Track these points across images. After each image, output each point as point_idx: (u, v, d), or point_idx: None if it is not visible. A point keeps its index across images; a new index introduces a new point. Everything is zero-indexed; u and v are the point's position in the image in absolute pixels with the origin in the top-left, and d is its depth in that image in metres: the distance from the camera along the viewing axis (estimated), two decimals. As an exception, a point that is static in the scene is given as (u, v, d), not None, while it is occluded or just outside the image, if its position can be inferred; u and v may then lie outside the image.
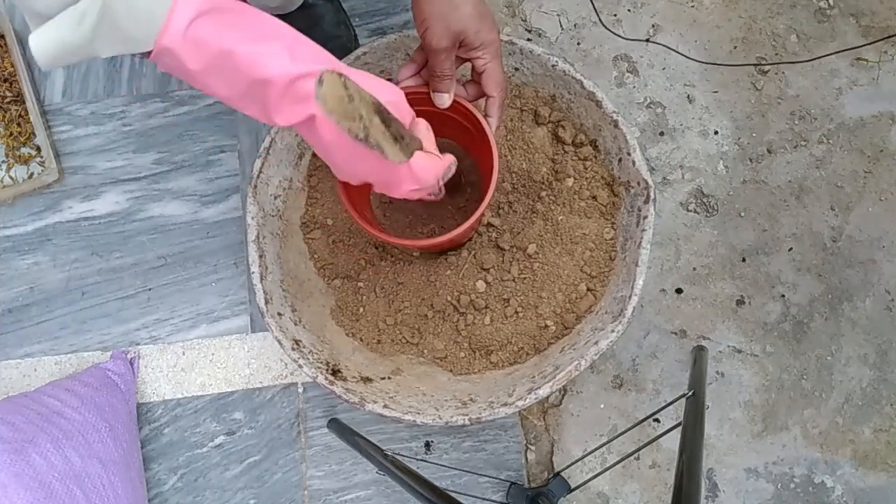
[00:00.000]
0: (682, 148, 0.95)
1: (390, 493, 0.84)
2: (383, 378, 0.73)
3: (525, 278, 0.76)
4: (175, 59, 0.44)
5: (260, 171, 0.75)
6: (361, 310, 0.78)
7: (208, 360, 0.88)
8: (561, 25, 0.98)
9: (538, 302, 0.75)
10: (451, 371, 0.76)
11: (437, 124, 0.69)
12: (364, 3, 0.96)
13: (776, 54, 0.97)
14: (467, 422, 0.66)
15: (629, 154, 0.72)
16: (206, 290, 0.89)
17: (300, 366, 0.69)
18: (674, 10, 0.99)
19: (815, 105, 0.96)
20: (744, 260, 0.92)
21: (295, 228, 0.80)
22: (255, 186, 0.74)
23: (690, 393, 0.64)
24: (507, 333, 0.75)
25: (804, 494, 0.86)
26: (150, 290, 0.89)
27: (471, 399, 0.70)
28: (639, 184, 0.72)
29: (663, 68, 0.97)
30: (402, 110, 0.53)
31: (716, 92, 0.96)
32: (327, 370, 0.70)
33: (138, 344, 0.88)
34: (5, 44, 0.93)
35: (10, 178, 0.91)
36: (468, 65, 0.63)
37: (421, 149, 0.55)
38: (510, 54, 0.76)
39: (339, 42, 0.89)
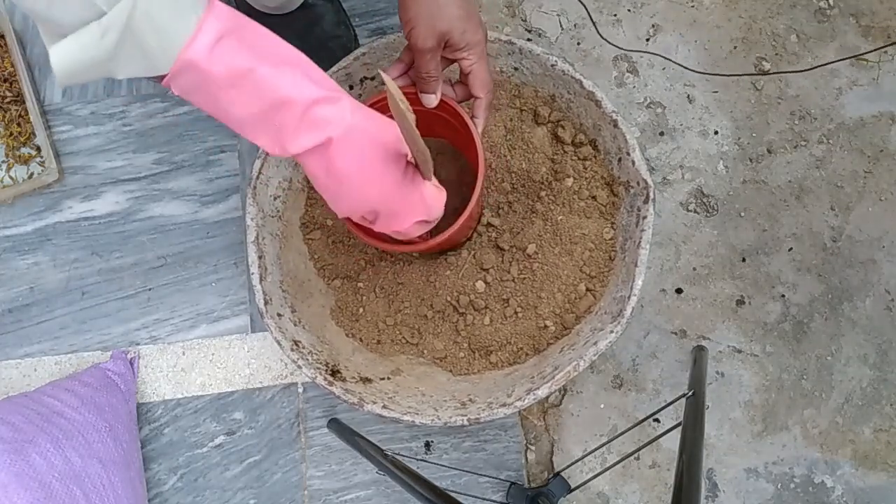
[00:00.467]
0: (682, 148, 0.95)
1: (390, 493, 0.84)
2: (383, 378, 0.73)
3: (524, 278, 0.76)
4: (197, 77, 0.44)
5: (259, 172, 0.75)
6: (361, 310, 0.78)
7: (208, 360, 0.88)
8: (561, 25, 0.98)
9: (538, 302, 0.75)
10: (450, 371, 0.76)
11: (430, 124, 0.70)
12: (364, 3, 0.96)
13: (776, 54, 0.97)
14: (466, 422, 0.66)
15: (629, 154, 0.72)
16: (206, 290, 0.90)
17: (299, 366, 0.69)
18: (674, 10, 0.99)
19: (815, 105, 0.96)
20: (744, 260, 0.92)
21: (294, 229, 0.80)
22: (255, 187, 0.74)
23: (690, 393, 0.64)
24: (507, 334, 0.75)
25: (804, 494, 0.86)
26: (150, 290, 0.89)
27: (470, 399, 0.70)
28: (638, 184, 0.72)
29: (663, 68, 0.97)
30: (419, 140, 0.53)
31: (716, 92, 0.96)
32: (326, 371, 0.70)
33: (138, 344, 0.88)
34: (5, 44, 0.93)
35: (10, 178, 0.91)
36: (456, 65, 0.63)
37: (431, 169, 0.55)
38: (510, 54, 0.76)
39: (339, 42, 0.89)
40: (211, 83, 0.44)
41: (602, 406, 0.88)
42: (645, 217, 0.70)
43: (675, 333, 0.90)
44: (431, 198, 0.56)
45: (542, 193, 0.77)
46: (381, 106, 0.65)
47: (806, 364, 0.89)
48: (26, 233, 0.91)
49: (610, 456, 0.86)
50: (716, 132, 0.95)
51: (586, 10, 0.96)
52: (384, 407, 0.67)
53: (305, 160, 0.50)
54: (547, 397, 0.82)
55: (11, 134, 0.91)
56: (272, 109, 0.46)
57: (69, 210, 0.91)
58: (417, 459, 0.84)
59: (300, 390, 0.87)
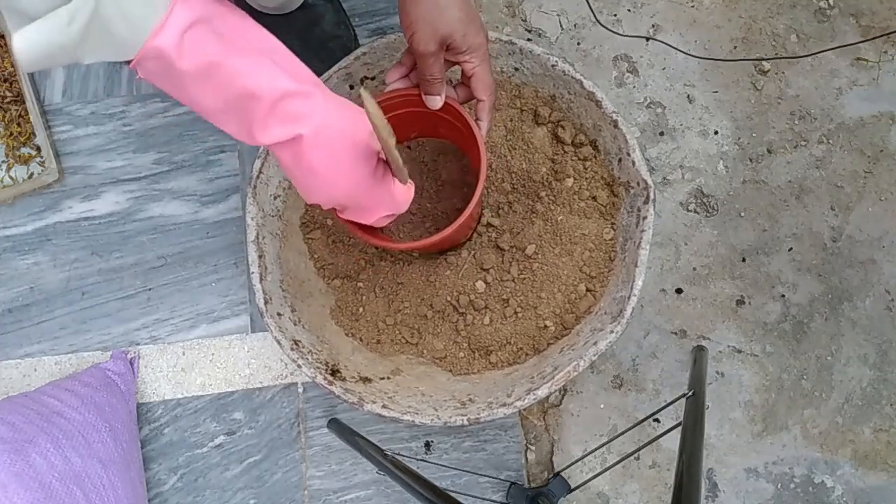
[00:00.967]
0: (682, 148, 0.95)
1: (390, 493, 0.84)
2: (382, 378, 0.73)
3: (524, 278, 0.76)
4: (164, 62, 0.43)
5: (260, 172, 0.75)
6: (361, 310, 0.78)
7: (208, 360, 0.88)
8: (561, 25, 0.98)
9: (537, 302, 0.75)
10: (450, 371, 0.76)
11: (432, 125, 0.70)
12: (364, 3, 0.96)
13: (776, 54, 0.97)
14: (466, 422, 0.66)
15: (629, 154, 0.72)
16: (206, 290, 0.90)
17: (299, 366, 0.69)
18: (674, 10, 0.99)
19: (815, 105, 0.96)
20: (744, 260, 0.92)
21: (295, 228, 0.80)
22: (255, 187, 0.74)
23: (690, 393, 0.64)
24: (507, 334, 0.75)
25: (804, 494, 0.86)
26: (150, 290, 0.89)
27: (470, 399, 0.70)
28: (638, 184, 0.72)
29: (663, 68, 0.97)
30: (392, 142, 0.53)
31: (716, 92, 0.96)
32: (326, 370, 0.70)
33: (138, 344, 0.88)
34: (5, 44, 0.93)
35: (10, 178, 0.91)
36: (458, 67, 0.63)
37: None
38: (510, 54, 0.76)
39: (339, 42, 0.89)
40: (177, 72, 0.44)
41: (602, 406, 0.88)
42: (645, 217, 0.70)
43: (675, 333, 0.90)
44: (400, 192, 0.56)
45: (543, 194, 0.77)
46: (385, 106, 0.65)
47: (806, 364, 0.89)
48: (26, 233, 0.91)
49: (610, 456, 0.86)
50: (716, 132, 0.95)
51: (590, 7, 0.96)
52: (384, 406, 0.67)
53: (275, 150, 0.50)
54: (547, 397, 0.82)
55: (11, 134, 0.91)
56: (240, 101, 0.46)
57: (69, 210, 0.91)
58: (417, 459, 0.84)
59: (300, 390, 0.87)
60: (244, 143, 0.49)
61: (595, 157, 0.77)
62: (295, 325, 0.74)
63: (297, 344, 0.71)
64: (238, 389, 0.87)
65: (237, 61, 0.45)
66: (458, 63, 0.62)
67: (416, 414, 0.67)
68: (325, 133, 0.49)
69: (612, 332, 0.66)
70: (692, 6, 0.99)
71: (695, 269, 0.92)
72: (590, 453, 0.78)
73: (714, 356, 0.89)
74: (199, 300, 0.89)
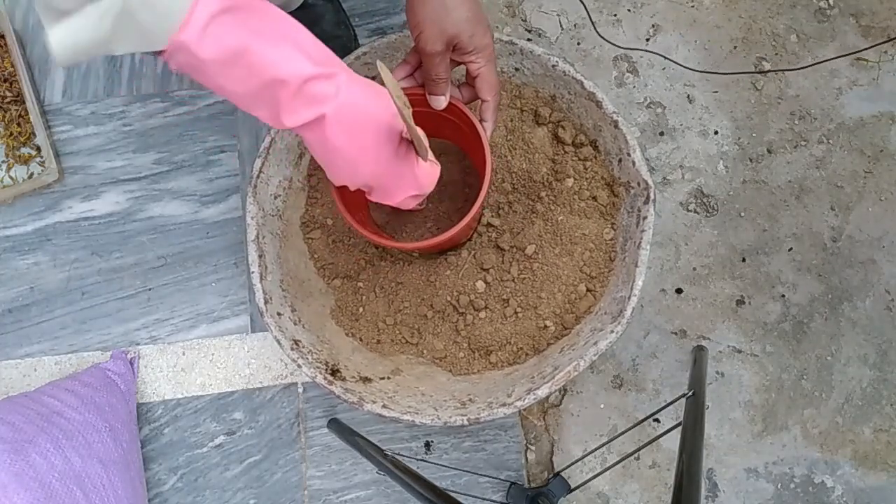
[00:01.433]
0: (682, 148, 0.95)
1: (390, 493, 0.84)
2: (382, 378, 0.73)
3: (525, 279, 0.76)
4: (191, 56, 0.44)
5: (260, 171, 0.75)
6: (361, 310, 0.78)
7: (208, 360, 0.88)
8: (561, 25, 0.98)
9: (538, 302, 0.75)
10: (450, 371, 0.76)
11: (435, 126, 0.70)
12: (364, 3, 0.97)
13: (776, 54, 0.97)
14: (466, 422, 0.66)
15: (629, 154, 0.72)
16: (206, 290, 0.90)
17: (299, 366, 0.69)
18: (674, 10, 0.99)
19: (815, 105, 0.96)
20: (744, 260, 0.92)
21: (295, 228, 0.80)
22: (255, 186, 0.74)
23: (690, 393, 0.64)
24: (507, 334, 0.75)
25: (804, 494, 0.86)
26: (150, 290, 0.89)
27: (470, 399, 0.70)
28: (639, 184, 0.72)
29: (663, 68, 0.97)
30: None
31: (716, 92, 0.96)
32: (326, 370, 0.70)
33: (138, 344, 0.88)
34: (5, 44, 0.93)
35: (10, 178, 0.91)
36: (462, 67, 0.63)
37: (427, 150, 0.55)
38: (510, 54, 0.76)
39: (339, 42, 0.89)
40: (205, 63, 0.45)
41: (602, 406, 0.88)
42: (645, 217, 0.70)
43: (675, 333, 0.90)
44: (424, 174, 0.56)
45: (543, 194, 0.77)
46: None
47: (806, 364, 0.89)
48: (26, 233, 0.91)
49: (610, 456, 0.86)
50: (716, 132, 0.95)
51: (586, 10, 0.96)
52: (384, 406, 0.67)
53: (302, 133, 0.51)
54: (547, 397, 0.82)
55: (11, 134, 0.91)
56: (266, 87, 0.46)
57: (69, 210, 0.91)
58: (417, 459, 0.84)
59: (300, 390, 0.87)
60: (274, 126, 0.50)
61: (595, 157, 0.77)
62: (295, 324, 0.74)
63: (297, 344, 0.71)
64: (238, 389, 0.87)
65: (262, 47, 0.45)
66: (463, 63, 0.62)
67: (417, 414, 0.67)
68: (348, 112, 0.49)
69: (612, 332, 0.66)
70: (692, 6, 0.99)
71: (695, 269, 0.92)
72: (590, 453, 0.78)
73: (714, 356, 0.89)
74: (199, 300, 0.89)
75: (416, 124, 0.70)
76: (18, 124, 0.91)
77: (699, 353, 0.81)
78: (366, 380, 0.72)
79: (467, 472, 0.83)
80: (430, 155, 0.57)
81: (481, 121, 0.65)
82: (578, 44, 0.98)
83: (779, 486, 0.86)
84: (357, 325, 0.78)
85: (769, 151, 0.95)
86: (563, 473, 0.78)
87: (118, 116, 0.94)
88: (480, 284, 0.76)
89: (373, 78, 0.79)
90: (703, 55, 0.97)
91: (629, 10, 0.99)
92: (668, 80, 0.96)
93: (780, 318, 0.90)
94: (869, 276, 0.91)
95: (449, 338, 0.77)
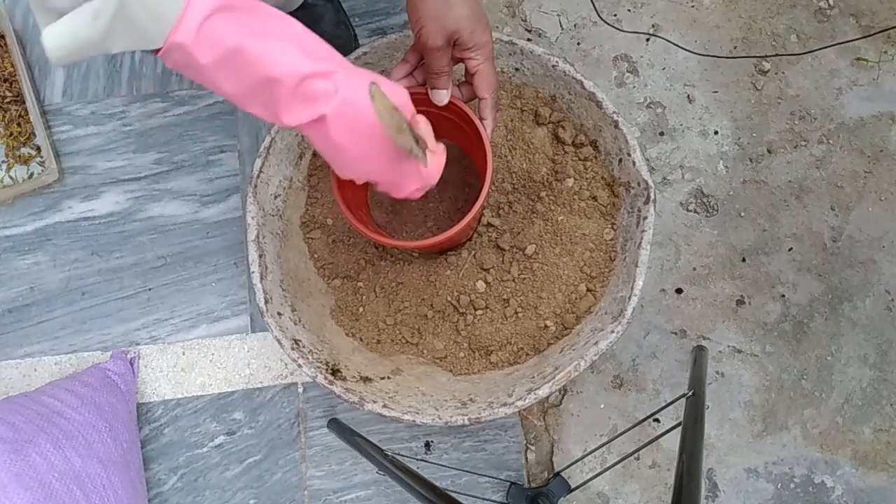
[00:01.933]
0: (682, 148, 0.95)
1: (390, 493, 0.84)
2: (383, 378, 0.73)
3: (525, 278, 0.76)
4: (186, 56, 0.44)
5: (260, 171, 0.75)
6: (361, 309, 0.78)
7: (208, 360, 0.88)
8: (561, 25, 0.98)
9: (538, 302, 0.75)
10: (450, 371, 0.76)
11: (435, 125, 0.69)
12: (364, 3, 0.97)
13: (776, 54, 0.97)
14: (467, 422, 0.66)
15: (629, 154, 0.72)
16: (206, 290, 0.89)
17: (299, 365, 0.69)
18: (674, 10, 0.99)
19: (815, 105, 0.96)
20: (744, 260, 0.92)
21: (295, 228, 0.80)
22: (255, 186, 0.74)
23: (690, 393, 0.64)
24: (507, 334, 0.75)
25: (804, 494, 0.86)
26: (150, 290, 0.89)
27: (470, 399, 0.70)
28: (639, 184, 0.72)
29: (663, 68, 0.97)
30: (408, 110, 0.53)
31: (716, 92, 0.96)
32: (327, 370, 0.70)
33: (138, 344, 0.88)
34: (5, 44, 0.93)
35: (10, 178, 0.91)
36: (461, 66, 0.63)
37: (426, 147, 0.55)
38: (511, 54, 0.76)
39: (339, 42, 0.89)
40: (201, 62, 0.45)
41: (602, 406, 0.88)
42: (645, 217, 0.70)
43: (675, 333, 0.90)
44: (429, 166, 0.56)
45: (543, 194, 0.77)
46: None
47: (806, 364, 0.89)
48: (26, 233, 0.91)
49: (610, 456, 0.86)
50: (716, 132, 0.95)
51: (593, 3, 0.96)
52: (384, 406, 0.67)
53: (304, 130, 0.51)
54: (547, 397, 0.82)
55: (11, 134, 0.91)
56: (262, 85, 0.46)
57: (69, 210, 0.91)
58: (417, 459, 0.84)
59: (300, 390, 0.87)
60: (273, 122, 0.50)
61: (595, 157, 0.77)
62: (295, 324, 0.74)
63: (297, 343, 0.71)
64: (238, 389, 0.87)
65: (257, 46, 0.45)
66: (462, 60, 0.62)
67: (417, 414, 0.67)
68: (347, 110, 0.49)
69: (612, 331, 0.66)
70: (692, 6, 0.99)
71: (695, 269, 0.92)
72: (590, 453, 0.79)
73: (714, 356, 0.89)
74: (199, 300, 0.89)
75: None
76: (18, 124, 0.91)
77: (699, 353, 0.81)
78: (366, 380, 0.72)
79: (467, 472, 0.83)
80: (434, 143, 0.57)
81: (481, 119, 0.65)
82: (578, 44, 0.98)
83: (779, 486, 0.86)
84: (357, 324, 0.78)
85: (769, 151, 0.95)
86: (563, 473, 0.78)
87: (118, 116, 0.94)
88: (481, 284, 0.76)
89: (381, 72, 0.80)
90: (704, 54, 0.97)
91: (629, 10, 0.99)
92: (668, 80, 0.96)
93: (780, 318, 0.90)
94: (869, 276, 0.91)
95: (449, 338, 0.77)
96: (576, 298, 0.75)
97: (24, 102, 0.91)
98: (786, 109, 0.96)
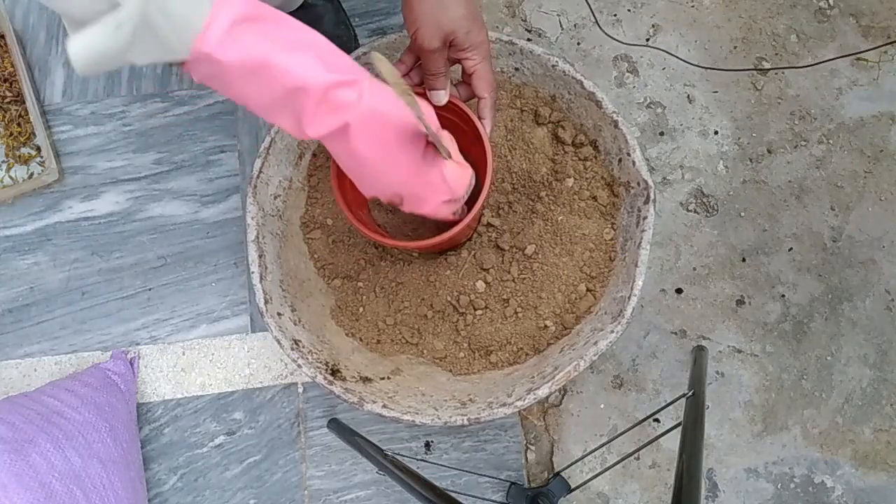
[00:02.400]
0: (682, 148, 0.95)
1: (390, 493, 0.84)
2: (382, 378, 0.73)
3: (525, 278, 0.76)
4: (213, 67, 0.44)
5: (260, 171, 0.75)
6: (361, 310, 0.78)
7: (208, 360, 0.88)
8: (561, 25, 0.98)
9: (538, 302, 0.75)
10: (450, 371, 0.76)
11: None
12: (364, 3, 0.97)
13: (776, 54, 0.97)
14: (466, 422, 0.66)
15: (629, 154, 0.72)
16: (206, 290, 0.89)
17: (299, 366, 0.69)
18: (674, 11, 0.99)
19: (815, 105, 0.96)
20: (744, 260, 0.92)
21: (295, 228, 0.80)
22: (255, 186, 0.74)
23: (690, 393, 0.64)
24: (507, 334, 0.75)
25: (804, 494, 0.86)
26: (150, 290, 0.89)
27: (470, 399, 0.70)
28: (639, 184, 0.72)
29: (663, 68, 0.97)
30: (433, 121, 0.53)
31: (716, 92, 0.96)
32: (326, 370, 0.70)
33: (138, 344, 0.88)
34: (5, 44, 0.93)
35: (10, 178, 0.91)
36: (459, 66, 0.63)
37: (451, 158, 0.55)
38: (510, 54, 0.76)
39: (339, 42, 0.89)
40: (225, 73, 0.45)
41: (602, 406, 0.88)
42: (645, 217, 0.70)
43: (675, 333, 0.90)
44: (452, 177, 0.56)
45: (543, 194, 0.77)
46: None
47: (806, 364, 0.89)
48: (26, 233, 0.91)
49: (610, 456, 0.86)
50: (716, 132, 0.95)
51: (590, 8, 0.96)
52: (384, 406, 0.67)
53: (327, 142, 0.51)
54: (547, 397, 0.82)
55: (11, 134, 0.91)
56: (288, 96, 0.46)
57: (69, 210, 0.91)
58: (417, 459, 0.84)
59: (300, 390, 0.87)
60: (297, 137, 0.50)
61: (595, 157, 0.77)
62: (295, 324, 0.74)
63: (297, 344, 0.71)
64: (238, 389, 0.87)
65: (282, 57, 0.45)
66: (459, 60, 0.62)
67: (417, 414, 0.67)
68: (371, 119, 0.49)
69: (612, 332, 0.66)
70: (692, 6, 0.99)
71: (695, 269, 0.92)
72: (590, 453, 0.79)
73: (714, 356, 0.89)
74: (199, 300, 0.89)
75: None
76: (18, 124, 0.91)
77: (699, 353, 0.81)
78: (366, 380, 0.72)
79: (467, 472, 0.83)
80: (460, 157, 0.57)
81: (480, 118, 0.65)
82: (578, 44, 0.98)
83: (779, 486, 0.86)
84: (357, 325, 0.78)
85: (769, 151, 0.95)
86: (563, 473, 0.78)
87: (118, 116, 0.94)
88: (480, 284, 0.76)
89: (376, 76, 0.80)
90: (703, 55, 0.97)
91: (629, 10, 0.99)
92: (668, 80, 0.96)
93: (780, 318, 0.90)
94: (869, 276, 0.91)
95: (449, 338, 0.77)
96: (575, 298, 0.75)
97: (24, 102, 0.91)
98: (786, 109, 0.96)
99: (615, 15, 0.98)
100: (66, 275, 0.90)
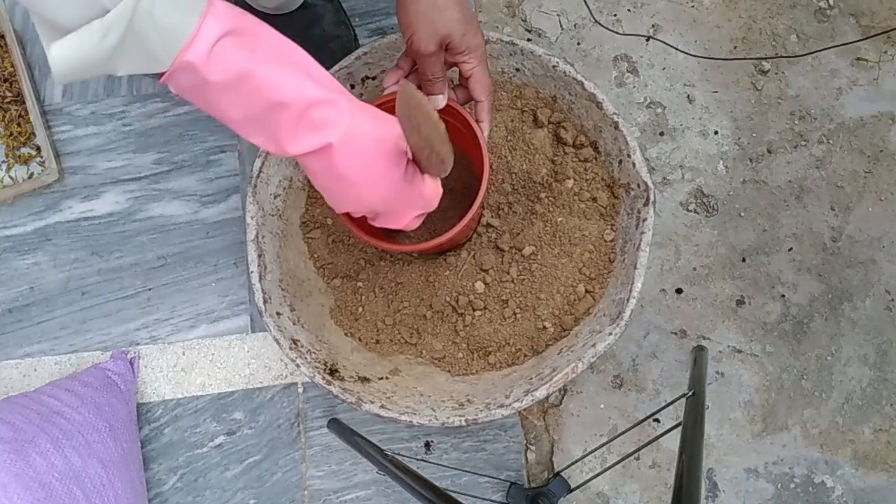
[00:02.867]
0: (682, 148, 0.95)
1: (390, 493, 0.84)
2: (381, 378, 0.73)
3: (524, 279, 0.76)
4: (193, 77, 0.44)
5: (260, 171, 0.75)
6: (360, 309, 0.78)
7: (208, 360, 0.88)
8: (561, 25, 0.98)
9: (536, 303, 0.75)
10: (448, 372, 0.76)
11: None
12: (364, 3, 0.96)
13: (776, 54, 0.97)
14: (464, 423, 0.66)
15: (629, 156, 0.72)
16: (206, 290, 0.89)
17: (297, 365, 0.69)
18: (673, 10, 0.99)
19: (815, 105, 0.96)
20: (744, 260, 0.92)
21: (294, 228, 0.80)
22: (255, 186, 0.74)
23: (690, 393, 0.64)
24: (506, 335, 0.75)
25: (804, 494, 0.86)
26: (150, 290, 0.89)
27: (468, 400, 0.70)
28: (639, 186, 0.72)
29: (663, 68, 0.97)
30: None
31: (716, 92, 0.96)
32: (325, 370, 0.70)
33: (138, 344, 0.88)
34: (5, 44, 0.93)
35: (10, 178, 0.91)
36: (456, 69, 0.63)
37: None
38: (511, 55, 0.76)
39: (339, 42, 0.89)
40: (207, 85, 0.44)
41: (602, 406, 0.88)
42: (645, 219, 0.70)
43: (675, 333, 0.90)
44: (430, 192, 0.56)
45: (543, 195, 0.77)
46: (385, 110, 0.65)
47: (806, 364, 0.89)
48: (26, 233, 0.91)
49: (610, 456, 0.86)
50: (716, 132, 0.95)
51: (588, 8, 0.96)
52: (382, 406, 0.67)
53: (304, 161, 0.50)
54: (546, 398, 0.82)
55: (11, 134, 0.91)
56: (268, 111, 0.46)
57: (69, 210, 0.91)
58: (417, 459, 0.84)
59: (300, 390, 0.87)
60: (275, 154, 0.49)
61: (595, 158, 0.77)
62: (294, 324, 0.74)
63: (295, 343, 0.71)
64: (238, 389, 0.87)
65: (265, 71, 0.45)
66: (456, 64, 0.62)
67: (415, 414, 0.67)
68: (354, 139, 0.48)
69: (610, 334, 0.66)
70: (692, 6, 0.99)
71: (695, 269, 0.92)
72: (590, 453, 0.79)
73: (714, 356, 0.89)
74: (199, 300, 0.89)
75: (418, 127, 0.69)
76: (18, 124, 0.91)
77: (699, 353, 0.81)
78: (364, 380, 0.72)
79: (467, 472, 0.83)
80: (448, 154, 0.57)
81: (477, 121, 0.65)
82: (578, 44, 0.98)
83: (779, 486, 0.86)
84: (356, 324, 0.78)
85: (769, 151, 0.95)
86: (563, 473, 0.78)
87: (118, 116, 0.94)
88: (479, 285, 0.76)
89: (373, 79, 0.80)
90: (703, 55, 0.97)
91: (629, 10, 0.99)
92: (668, 80, 0.96)
93: (780, 318, 0.90)
94: (869, 276, 0.91)
95: (448, 338, 0.77)
96: (574, 300, 0.75)
97: (24, 102, 0.91)
98: (786, 109, 0.96)
99: (615, 14, 0.98)
100: (66, 275, 0.90)
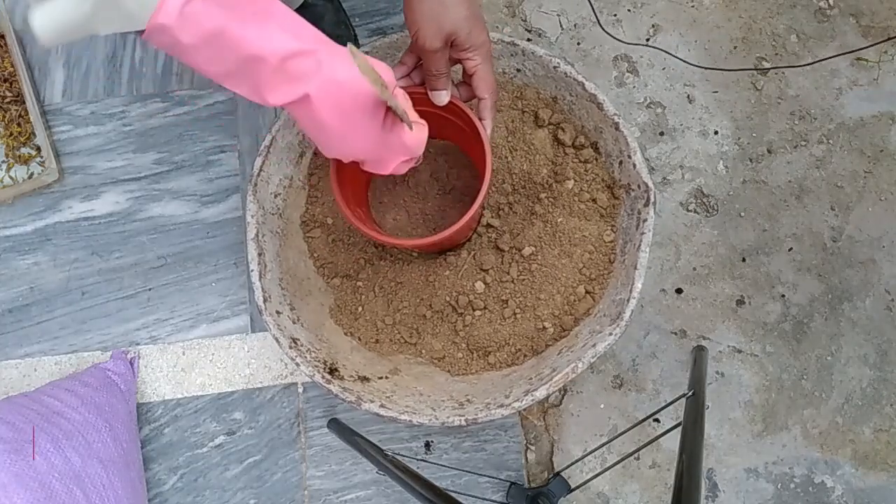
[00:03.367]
0: (682, 148, 0.95)
1: (390, 493, 0.84)
2: (381, 377, 0.73)
3: (524, 280, 0.76)
4: (169, 37, 0.44)
5: (260, 170, 0.75)
6: (360, 309, 0.78)
7: (208, 360, 0.88)
8: (561, 25, 0.98)
9: (536, 303, 0.75)
10: (448, 371, 0.76)
11: (435, 126, 0.70)
12: (364, 3, 0.97)
13: (776, 54, 0.97)
14: (463, 422, 0.66)
15: (630, 157, 0.72)
16: (206, 290, 0.90)
17: (297, 364, 0.69)
18: (674, 11, 0.99)
19: (815, 105, 0.96)
20: (744, 260, 0.92)
21: (295, 227, 0.80)
22: (256, 184, 0.74)
23: (690, 393, 0.64)
24: (505, 335, 0.75)
25: (804, 494, 0.86)
26: (150, 290, 0.89)
27: (468, 400, 0.70)
28: (639, 186, 0.72)
29: (663, 68, 0.97)
30: (390, 82, 0.53)
31: (716, 92, 0.96)
32: (324, 369, 0.70)
33: (138, 344, 0.88)
34: (5, 44, 0.93)
35: (10, 178, 0.91)
36: (459, 66, 0.63)
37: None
38: (512, 55, 0.76)
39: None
40: (182, 44, 0.45)
41: (602, 406, 0.88)
42: (645, 220, 0.70)
43: (675, 333, 0.90)
44: (413, 139, 0.56)
45: (543, 195, 0.77)
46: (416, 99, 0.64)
47: (806, 364, 0.89)
48: (26, 233, 0.91)
49: (610, 456, 0.86)
50: (716, 132, 0.95)
51: (592, 8, 0.96)
52: (382, 406, 0.67)
53: (289, 109, 0.51)
54: (546, 398, 0.82)
55: (11, 134, 0.91)
56: (246, 65, 0.47)
57: (69, 210, 0.91)
58: (417, 459, 0.84)
59: (300, 390, 0.87)
60: (260, 103, 0.50)
61: (596, 159, 0.77)
62: (293, 323, 0.74)
63: (295, 342, 0.71)
64: (238, 389, 0.87)
65: (239, 26, 0.45)
66: (460, 60, 0.62)
67: (414, 414, 0.67)
68: (331, 89, 0.49)
69: (610, 334, 0.66)
70: (692, 6, 0.99)
71: (695, 269, 0.92)
72: (590, 453, 0.79)
73: (714, 356, 0.89)
74: (199, 300, 0.89)
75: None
76: (18, 124, 0.91)
77: (699, 353, 0.81)
78: (364, 379, 0.72)
79: (467, 472, 0.83)
80: (415, 115, 0.57)
81: (480, 119, 0.65)
82: (578, 44, 0.98)
83: (779, 486, 0.86)
84: (356, 324, 0.78)
85: (769, 151, 0.95)
86: (563, 473, 0.78)
87: (118, 116, 0.94)
88: (479, 285, 0.76)
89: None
90: (703, 55, 0.97)
91: (629, 10, 0.99)
92: (668, 80, 0.96)
93: (780, 318, 0.90)
94: (869, 276, 0.91)
95: (447, 338, 0.76)
96: (574, 300, 0.75)
97: (24, 102, 0.91)
98: (786, 109, 0.96)
99: (615, 15, 0.98)
100: (66, 275, 0.90)
